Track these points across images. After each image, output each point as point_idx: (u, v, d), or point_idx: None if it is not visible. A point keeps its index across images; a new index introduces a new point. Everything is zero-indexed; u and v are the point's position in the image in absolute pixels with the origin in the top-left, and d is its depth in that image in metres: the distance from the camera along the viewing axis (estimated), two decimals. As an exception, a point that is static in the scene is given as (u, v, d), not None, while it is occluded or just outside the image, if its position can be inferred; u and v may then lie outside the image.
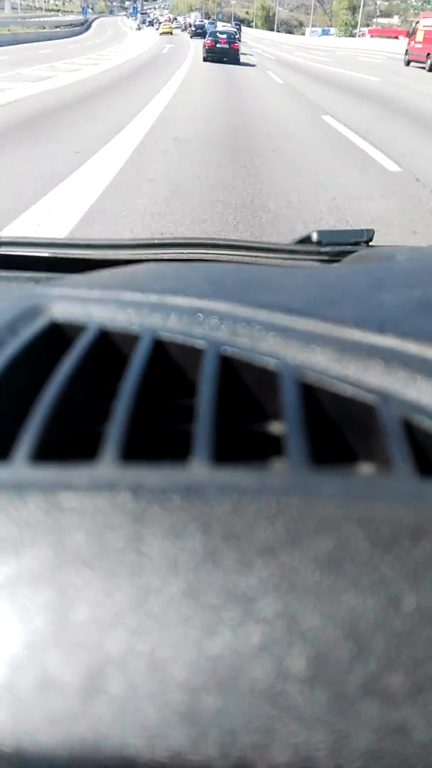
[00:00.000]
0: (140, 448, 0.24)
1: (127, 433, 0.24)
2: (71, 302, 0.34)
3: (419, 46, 21.65)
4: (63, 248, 0.74)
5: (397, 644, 0.17)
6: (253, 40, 45.58)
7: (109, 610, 0.17)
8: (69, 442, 0.26)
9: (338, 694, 0.16)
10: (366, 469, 0.25)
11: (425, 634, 0.17)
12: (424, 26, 21.42)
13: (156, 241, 0.76)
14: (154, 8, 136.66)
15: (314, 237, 0.72)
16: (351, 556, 0.18)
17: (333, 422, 0.27)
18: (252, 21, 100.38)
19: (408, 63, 22.37)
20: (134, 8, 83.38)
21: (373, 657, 0.16)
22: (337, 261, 0.67)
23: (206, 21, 58.50)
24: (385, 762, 0.15)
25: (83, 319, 0.32)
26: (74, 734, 0.16)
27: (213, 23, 47.66)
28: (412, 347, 0.28)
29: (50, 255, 0.72)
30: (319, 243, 0.71)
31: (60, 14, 77.31)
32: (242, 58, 20.54)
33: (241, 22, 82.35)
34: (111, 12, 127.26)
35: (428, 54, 20.46)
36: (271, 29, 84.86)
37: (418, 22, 22.56)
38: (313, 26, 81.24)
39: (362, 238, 0.73)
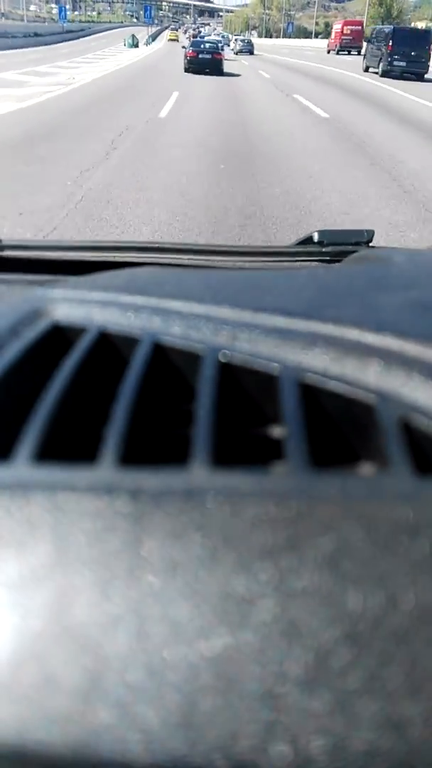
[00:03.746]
0: (140, 452, 0.25)
1: (127, 436, 0.24)
2: (72, 304, 0.35)
3: (332, 41, 38.31)
4: (64, 251, 0.75)
5: (396, 642, 0.17)
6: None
7: (108, 612, 0.18)
8: (70, 444, 0.27)
9: (337, 694, 0.16)
10: (365, 468, 0.26)
11: (424, 631, 0.17)
12: (334, 29, 38.11)
13: (157, 245, 0.76)
14: (209, 24, 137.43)
15: (316, 237, 0.73)
16: (349, 556, 0.19)
17: (332, 422, 0.27)
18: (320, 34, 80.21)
19: (328, 52, 38.86)
20: (147, 7, 57.78)
21: (372, 656, 0.16)
22: (338, 261, 0.68)
23: (227, 34, 58.08)
24: (384, 760, 0.15)
25: (84, 321, 0.33)
26: (74, 735, 0.16)
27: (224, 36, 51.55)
28: (410, 347, 0.29)
29: (52, 257, 0.73)
30: (320, 243, 0.73)
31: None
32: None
33: (310, 35, 77.77)
34: (161, 21, 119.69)
35: (337, 44, 37.00)
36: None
37: (331, 27, 39.29)
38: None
39: (363, 239, 0.74)
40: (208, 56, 17.18)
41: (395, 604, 0.17)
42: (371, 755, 0.15)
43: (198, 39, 20.83)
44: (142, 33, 50.53)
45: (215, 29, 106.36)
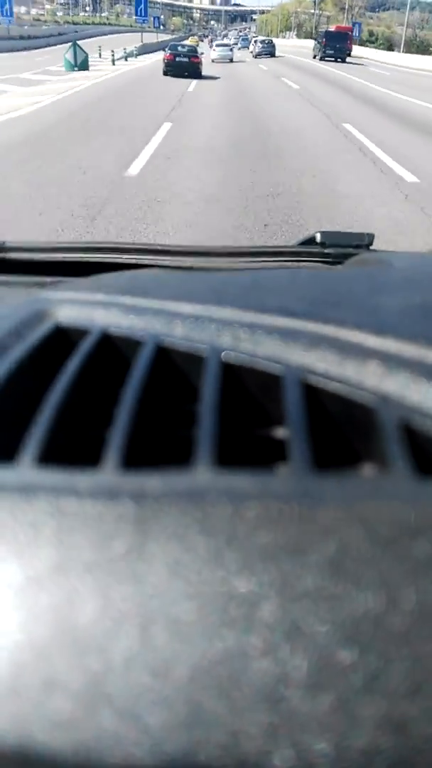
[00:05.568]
0: (143, 454, 0.25)
1: (130, 438, 0.24)
2: (75, 306, 0.35)
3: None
4: (67, 252, 0.75)
5: (397, 643, 0.17)
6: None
7: (111, 615, 0.18)
8: (73, 446, 0.27)
9: (339, 694, 0.16)
10: (367, 470, 0.26)
11: (425, 632, 0.17)
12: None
13: (160, 247, 0.76)
14: (247, 28, 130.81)
15: (318, 238, 0.74)
16: (351, 557, 0.19)
17: (334, 424, 0.27)
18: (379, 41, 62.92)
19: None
20: (139, 1, 34.63)
21: (374, 656, 0.17)
22: (339, 263, 0.69)
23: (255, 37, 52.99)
24: (385, 759, 0.15)
25: (87, 322, 0.33)
26: (77, 738, 0.16)
27: (249, 37, 54.33)
28: (411, 350, 0.29)
29: (54, 259, 0.73)
30: (322, 244, 0.73)
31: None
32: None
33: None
34: (189, 30, 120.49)
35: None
36: None
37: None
38: None
39: (363, 242, 0.75)
40: (185, 59, 17.91)
41: (397, 605, 0.17)
42: (373, 755, 0.15)
43: (177, 43, 20.70)
44: (151, 40, 37.35)
45: (249, 33, 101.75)
